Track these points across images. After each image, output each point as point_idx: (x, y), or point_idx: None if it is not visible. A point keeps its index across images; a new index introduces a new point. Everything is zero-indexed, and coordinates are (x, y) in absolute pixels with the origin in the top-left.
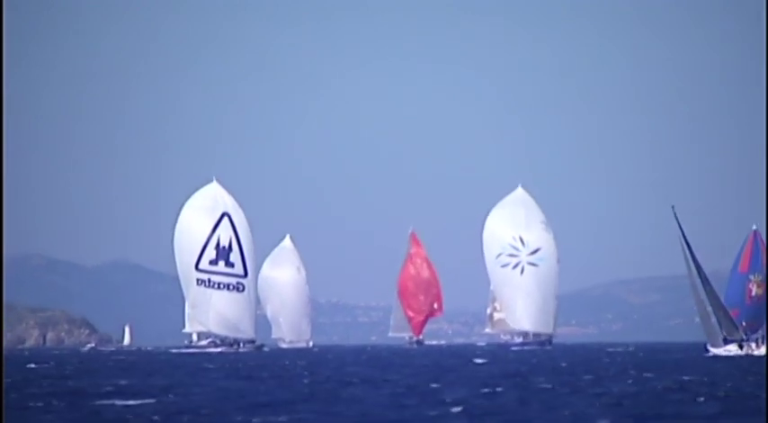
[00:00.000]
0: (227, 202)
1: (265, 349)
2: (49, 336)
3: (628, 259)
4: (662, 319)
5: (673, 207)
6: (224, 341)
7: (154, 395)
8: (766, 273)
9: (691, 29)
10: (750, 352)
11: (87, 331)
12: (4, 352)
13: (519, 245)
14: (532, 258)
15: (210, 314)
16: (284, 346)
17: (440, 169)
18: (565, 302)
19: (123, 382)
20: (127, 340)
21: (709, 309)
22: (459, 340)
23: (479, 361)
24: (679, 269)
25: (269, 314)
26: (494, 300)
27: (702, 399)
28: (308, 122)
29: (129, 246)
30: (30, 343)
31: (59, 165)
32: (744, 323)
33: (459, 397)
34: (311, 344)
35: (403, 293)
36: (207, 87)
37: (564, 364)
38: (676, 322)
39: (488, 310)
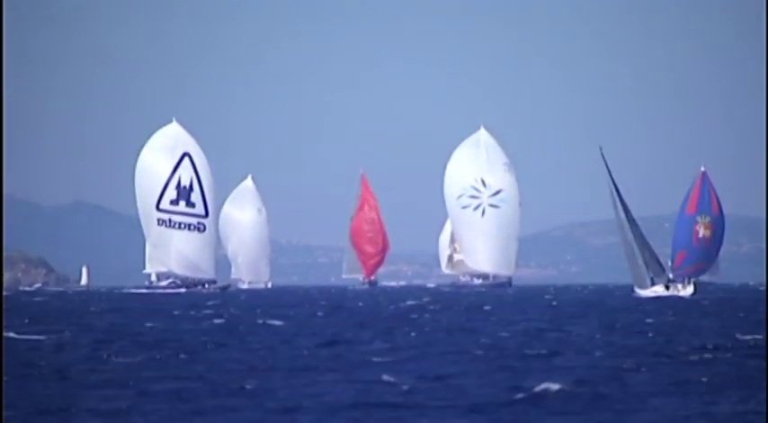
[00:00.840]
0: (188, 142)
1: (230, 290)
2: (6, 276)
3: (587, 201)
4: (621, 260)
5: (600, 148)
6: (185, 282)
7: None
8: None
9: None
10: (676, 292)
11: (44, 271)
12: None
13: (480, 186)
14: (494, 200)
15: (172, 254)
16: (243, 286)
17: (402, 109)
18: (525, 244)
19: None
20: (84, 281)
21: (636, 250)
22: (419, 281)
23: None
24: (641, 211)
25: (229, 254)
26: (453, 241)
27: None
28: (269, 62)
29: (89, 186)
30: None
31: (24, 104)
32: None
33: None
34: (269, 285)
35: (355, 236)
36: (171, 27)
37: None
38: None
39: (448, 251)
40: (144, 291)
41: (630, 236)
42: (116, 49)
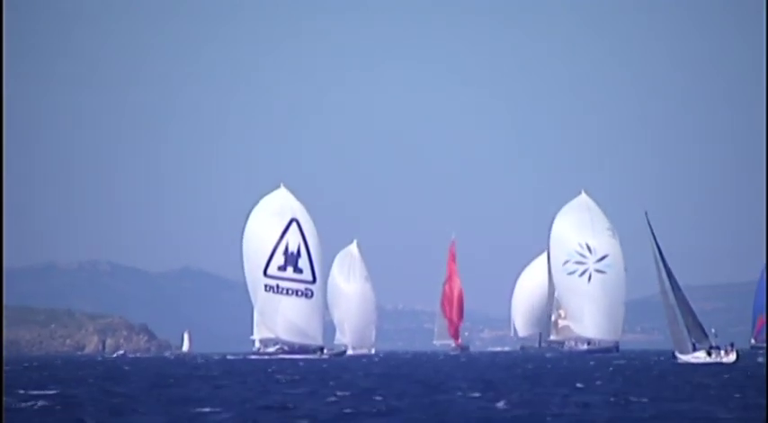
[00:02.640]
0: (295, 208)
1: (346, 355)
2: (108, 342)
3: (694, 266)
4: (726, 325)
5: (646, 213)
6: (292, 348)
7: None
8: None
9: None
10: (719, 359)
11: (146, 337)
12: (4, 352)
13: (586, 252)
14: (599, 265)
15: (279, 320)
16: (349, 352)
17: (497, 175)
18: (630, 309)
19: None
20: (186, 347)
21: (679, 315)
22: (494, 346)
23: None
24: (745, 276)
25: (335, 320)
26: (558, 307)
27: None
28: (366, 130)
29: (196, 253)
30: (89, 349)
31: (133, 173)
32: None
33: None
34: (374, 351)
35: (446, 304)
36: (269, 97)
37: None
38: (738, 329)
39: (553, 317)
40: (253, 357)
41: (673, 300)
42: (224, 114)
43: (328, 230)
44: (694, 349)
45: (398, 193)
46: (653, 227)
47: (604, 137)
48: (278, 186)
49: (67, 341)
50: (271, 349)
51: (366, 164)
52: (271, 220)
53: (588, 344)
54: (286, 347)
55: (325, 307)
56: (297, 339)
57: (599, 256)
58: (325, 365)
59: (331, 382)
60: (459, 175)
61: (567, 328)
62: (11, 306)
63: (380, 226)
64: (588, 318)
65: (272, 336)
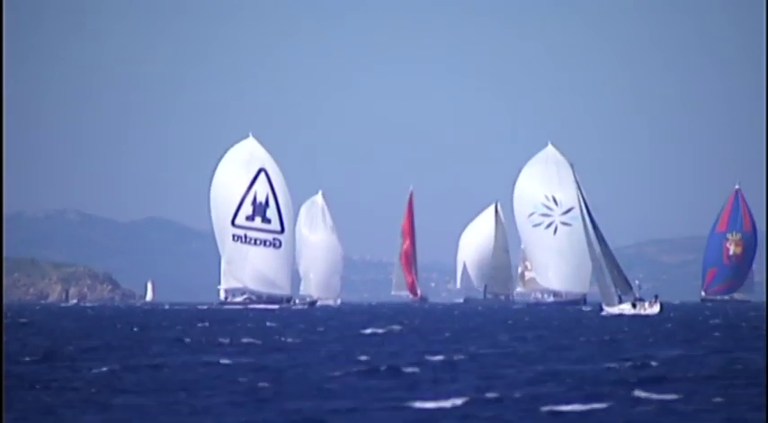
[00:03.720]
0: (264, 158)
1: (317, 305)
2: (72, 291)
3: (660, 219)
4: (693, 278)
5: (572, 165)
6: (260, 298)
7: None
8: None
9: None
10: (642, 311)
11: (110, 287)
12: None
13: (552, 204)
14: (566, 218)
15: (247, 270)
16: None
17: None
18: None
19: None
20: (149, 296)
21: (605, 267)
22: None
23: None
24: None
25: (300, 270)
26: (524, 259)
27: None
28: (336, 81)
29: (164, 202)
30: (52, 298)
31: (99, 121)
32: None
33: None
34: (339, 302)
35: (405, 256)
36: (242, 47)
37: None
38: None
39: (519, 269)
40: (220, 307)
41: (599, 253)
42: (192, 64)
43: (296, 181)
44: (620, 301)
45: (367, 144)
46: (578, 177)
47: (573, 91)
48: (247, 136)
49: (30, 290)
50: (238, 299)
51: (335, 116)
52: (239, 169)
53: (554, 296)
54: (254, 297)
55: (293, 257)
56: (265, 289)
57: (565, 208)
58: (318, 313)
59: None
60: (436, 124)
61: (533, 280)
62: None
63: (348, 177)
64: (554, 270)
65: (239, 285)
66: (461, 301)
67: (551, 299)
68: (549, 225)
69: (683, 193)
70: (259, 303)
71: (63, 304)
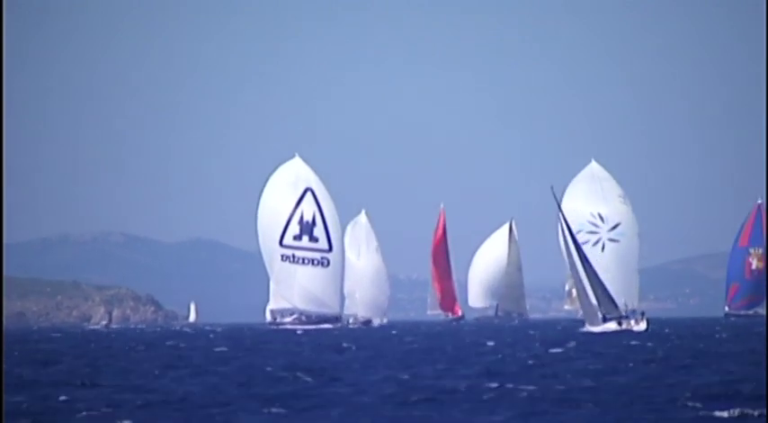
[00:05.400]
0: (310, 178)
1: (372, 325)
2: (115, 313)
3: (709, 235)
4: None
5: (552, 187)
6: (310, 318)
7: None
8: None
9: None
10: (629, 328)
11: (152, 308)
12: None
13: (598, 221)
14: (613, 234)
15: (295, 289)
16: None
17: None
18: (643, 277)
19: None
20: (192, 317)
21: (588, 287)
22: (536, 315)
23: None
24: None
25: (345, 289)
26: (570, 276)
27: None
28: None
29: (209, 224)
30: (95, 320)
31: (145, 142)
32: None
33: None
34: (385, 320)
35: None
36: (287, 71)
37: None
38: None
39: (566, 287)
40: (273, 327)
41: (582, 273)
42: (240, 83)
43: (342, 201)
44: (605, 321)
45: (409, 162)
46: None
47: (616, 109)
48: (293, 156)
49: (74, 312)
50: (287, 319)
51: (376, 135)
52: (286, 189)
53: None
54: (303, 317)
55: (342, 275)
56: (314, 308)
57: (611, 224)
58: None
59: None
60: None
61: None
62: (19, 278)
63: (393, 196)
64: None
65: (288, 306)
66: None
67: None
68: (596, 242)
69: (732, 208)
70: (309, 323)
71: (91, 327)
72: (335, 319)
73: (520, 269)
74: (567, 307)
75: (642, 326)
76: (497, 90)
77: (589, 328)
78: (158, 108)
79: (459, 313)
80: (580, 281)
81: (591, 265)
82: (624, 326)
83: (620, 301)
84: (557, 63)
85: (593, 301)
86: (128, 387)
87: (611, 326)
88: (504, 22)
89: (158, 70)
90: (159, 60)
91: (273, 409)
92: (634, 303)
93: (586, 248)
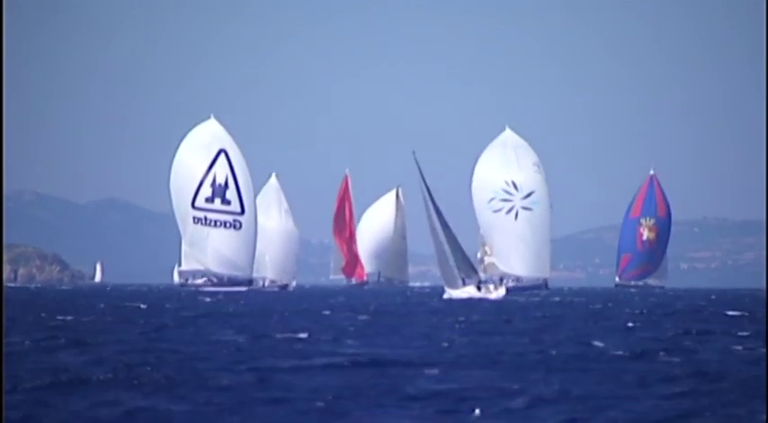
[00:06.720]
0: (224, 139)
1: (289, 288)
2: (21, 272)
3: (621, 205)
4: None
5: (413, 152)
6: (221, 280)
7: None
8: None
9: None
10: (488, 294)
11: (58, 268)
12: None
13: (512, 189)
14: (526, 202)
15: (209, 252)
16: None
17: (432, 110)
18: (554, 246)
19: None
20: (98, 278)
21: (448, 252)
22: (417, 283)
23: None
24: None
25: (256, 252)
26: (483, 244)
27: None
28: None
29: (123, 184)
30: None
31: (58, 102)
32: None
33: None
34: (294, 283)
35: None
36: (207, 30)
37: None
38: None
39: (478, 255)
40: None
41: (443, 238)
42: (152, 48)
43: (257, 164)
44: (464, 284)
45: (322, 126)
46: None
47: (529, 77)
48: (208, 117)
49: None
50: (198, 281)
51: (292, 99)
52: (199, 151)
53: (517, 281)
54: (214, 279)
55: (255, 238)
56: (226, 271)
57: (525, 192)
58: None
59: None
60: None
61: (492, 264)
62: None
63: (303, 163)
64: (516, 256)
65: (200, 267)
66: (425, 284)
67: (512, 284)
68: (509, 210)
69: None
70: (220, 286)
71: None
72: (249, 281)
73: (405, 237)
74: (480, 274)
75: (501, 292)
76: (412, 58)
77: (450, 292)
78: (76, 63)
79: (365, 278)
80: (440, 244)
81: (451, 230)
82: (483, 291)
83: (536, 272)
84: (479, 28)
85: (453, 265)
86: None
87: (471, 290)
88: None
89: (74, 25)
90: (88, 19)
91: None
92: (546, 271)
93: (500, 216)
